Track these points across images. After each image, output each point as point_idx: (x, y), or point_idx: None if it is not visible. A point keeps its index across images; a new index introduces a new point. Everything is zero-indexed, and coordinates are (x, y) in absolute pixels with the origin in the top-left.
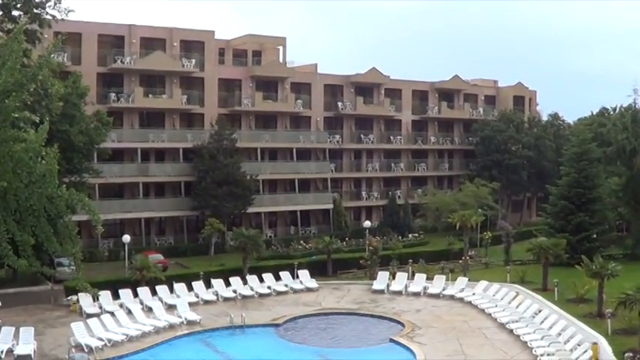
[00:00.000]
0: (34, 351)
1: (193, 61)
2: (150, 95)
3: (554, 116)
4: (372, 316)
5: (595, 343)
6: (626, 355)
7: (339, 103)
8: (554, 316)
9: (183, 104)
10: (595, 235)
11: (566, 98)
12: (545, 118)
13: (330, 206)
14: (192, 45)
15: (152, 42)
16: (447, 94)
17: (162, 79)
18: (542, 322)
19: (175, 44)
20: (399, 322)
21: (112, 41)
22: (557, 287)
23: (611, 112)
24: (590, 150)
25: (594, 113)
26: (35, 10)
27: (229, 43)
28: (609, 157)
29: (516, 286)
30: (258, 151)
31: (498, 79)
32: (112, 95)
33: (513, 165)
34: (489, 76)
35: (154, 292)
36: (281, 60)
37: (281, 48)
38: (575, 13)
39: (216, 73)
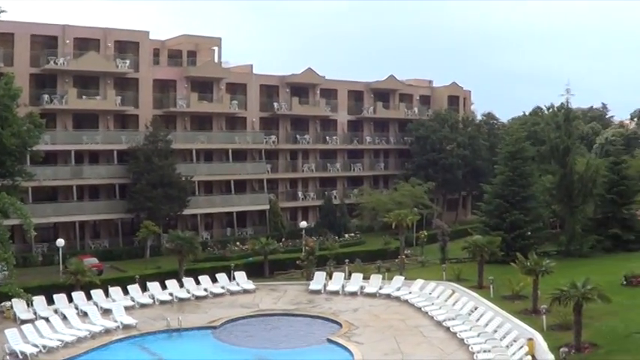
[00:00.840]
0: None
1: (128, 61)
2: (83, 96)
3: (488, 115)
4: (309, 316)
5: (531, 339)
6: (561, 350)
7: (275, 104)
8: (490, 313)
9: (118, 105)
10: (529, 233)
11: (500, 98)
12: (479, 117)
13: (267, 207)
14: (127, 45)
15: (86, 42)
16: (382, 94)
17: (96, 80)
18: (479, 319)
19: (110, 45)
20: (336, 322)
21: (46, 41)
22: (493, 284)
23: (545, 111)
24: (524, 149)
25: (528, 112)
26: None
27: (164, 43)
28: (543, 155)
29: (452, 284)
30: (194, 152)
31: (433, 79)
32: (45, 97)
33: (448, 164)
34: (424, 76)
35: (89, 297)
36: (216, 60)
37: (216, 48)
38: (510, 14)
39: (151, 73)
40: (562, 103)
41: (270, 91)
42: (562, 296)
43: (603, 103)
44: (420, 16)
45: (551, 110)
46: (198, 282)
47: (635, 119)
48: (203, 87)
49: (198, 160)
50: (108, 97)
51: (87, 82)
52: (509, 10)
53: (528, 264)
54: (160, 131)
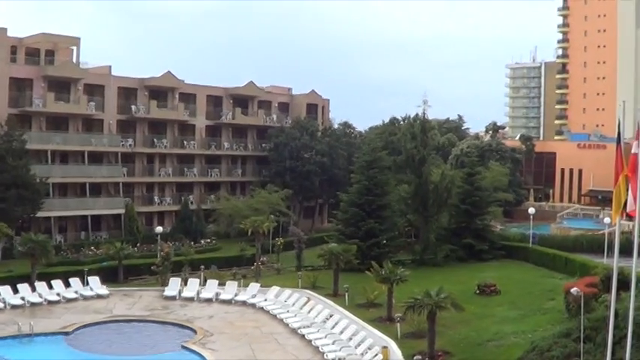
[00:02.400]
0: None
1: None
2: None
3: (346, 124)
4: (163, 322)
5: (385, 347)
6: (415, 357)
7: (133, 107)
8: (345, 320)
9: None
10: (385, 241)
11: (359, 107)
12: (336, 126)
13: (122, 211)
14: None
15: None
16: (241, 100)
17: None
18: (334, 326)
19: None
20: (191, 329)
21: None
22: (348, 292)
23: (401, 122)
24: (381, 158)
25: (385, 122)
26: None
27: (22, 41)
28: (399, 165)
29: (308, 291)
30: (49, 153)
31: (292, 87)
32: None
33: (306, 172)
34: (283, 83)
35: None
36: (75, 61)
37: (75, 48)
38: (366, 25)
39: (7, 71)
40: (418, 114)
41: (128, 93)
42: (416, 305)
43: (459, 115)
44: (280, 24)
45: (407, 121)
46: (51, 286)
47: (490, 132)
48: (60, 87)
49: (54, 162)
50: None
51: None
52: (368, 21)
53: (383, 272)
54: (14, 131)
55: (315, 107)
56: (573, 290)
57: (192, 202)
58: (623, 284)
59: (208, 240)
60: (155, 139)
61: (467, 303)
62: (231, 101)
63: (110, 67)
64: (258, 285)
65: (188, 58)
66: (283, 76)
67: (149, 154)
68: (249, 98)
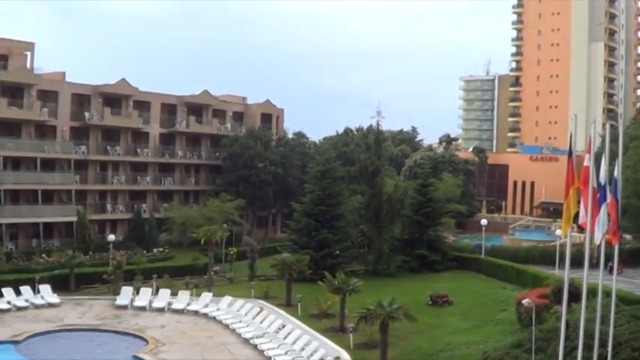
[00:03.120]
0: None
1: None
2: None
3: (300, 134)
4: (115, 332)
5: (338, 357)
6: None
7: (87, 114)
8: (298, 331)
9: None
10: (338, 252)
11: (313, 117)
12: (290, 136)
13: (74, 219)
14: None
15: None
16: (195, 108)
17: None
18: (286, 337)
19: None
20: (142, 338)
21: None
22: (301, 302)
23: (355, 133)
24: (334, 169)
25: (339, 133)
26: None
27: None
28: (352, 176)
29: (260, 301)
30: (1, 159)
31: (247, 96)
32: None
33: (259, 181)
34: (238, 92)
35: None
36: (29, 66)
37: (29, 54)
38: (321, 36)
39: None
40: (372, 125)
41: (82, 100)
42: (369, 315)
43: (413, 127)
44: (236, 34)
45: (361, 131)
46: (1, 294)
47: (444, 143)
48: (13, 92)
49: (5, 168)
50: None
51: None
52: (323, 32)
53: (336, 283)
54: None
55: (269, 117)
56: (525, 301)
57: (145, 211)
58: (574, 296)
59: (161, 249)
60: (108, 147)
61: (419, 314)
62: (186, 109)
63: (64, 73)
64: (211, 294)
65: (143, 66)
66: (238, 86)
67: (102, 161)
68: (203, 107)
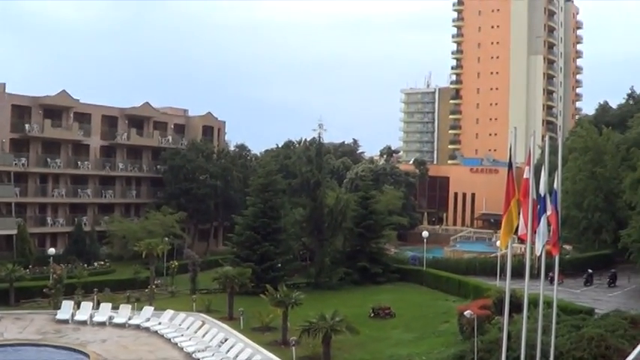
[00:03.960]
0: None
1: None
2: None
3: (241, 147)
4: (55, 346)
5: None
6: None
7: (27, 125)
8: (240, 344)
9: None
10: (280, 265)
11: (255, 129)
12: (232, 148)
13: (14, 232)
14: None
15: None
16: (137, 120)
17: None
18: (229, 350)
19: None
20: (83, 353)
21: None
22: (243, 316)
23: (297, 145)
24: (276, 181)
25: (281, 145)
26: None
27: None
28: (294, 188)
29: (202, 315)
30: None
31: (188, 109)
32: None
33: (201, 194)
34: (180, 105)
35: None
36: None
37: None
38: (262, 48)
39: None
40: (314, 138)
41: (22, 111)
42: (311, 328)
43: (354, 139)
44: (178, 46)
45: (303, 144)
46: None
47: (385, 156)
48: None
49: None
50: None
51: None
52: (264, 44)
53: (278, 296)
54: None
55: (211, 129)
56: (467, 313)
57: (85, 224)
58: (516, 306)
59: (102, 262)
60: (49, 159)
61: (362, 326)
62: (127, 122)
63: (4, 84)
64: (152, 308)
65: (84, 77)
66: (180, 98)
67: (42, 173)
68: (144, 119)
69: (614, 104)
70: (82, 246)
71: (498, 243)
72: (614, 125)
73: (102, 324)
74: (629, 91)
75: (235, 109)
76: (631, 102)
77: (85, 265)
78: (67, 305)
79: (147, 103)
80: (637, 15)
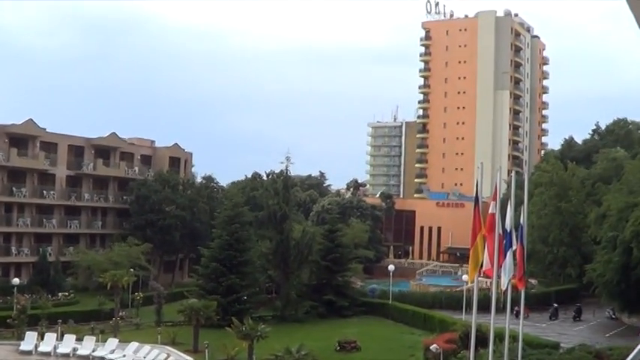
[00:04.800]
0: None
1: None
2: None
3: (208, 178)
4: None
5: None
6: None
7: None
8: None
9: None
10: (246, 297)
11: (222, 161)
12: (199, 179)
13: None
14: None
15: None
16: (103, 151)
17: None
18: None
19: None
20: None
21: None
22: (208, 349)
23: (264, 177)
24: (242, 213)
25: (248, 177)
26: None
27: None
28: (261, 221)
29: (168, 347)
30: None
31: (155, 139)
32: None
33: (167, 225)
34: (147, 135)
35: None
36: None
37: None
38: (230, 80)
39: None
40: (282, 170)
41: None
42: None
43: (321, 172)
44: (145, 77)
45: (270, 176)
46: None
47: (351, 189)
48: None
49: None
50: None
51: None
52: (233, 76)
53: (244, 328)
54: None
55: (178, 160)
56: (433, 347)
57: (50, 254)
58: (482, 340)
59: (66, 293)
60: (14, 188)
61: (327, 359)
62: (93, 152)
63: None
64: (117, 340)
65: (51, 107)
66: (147, 129)
67: (7, 202)
68: (111, 149)
69: (579, 139)
70: (46, 276)
71: (464, 277)
72: (580, 160)
73: (66, 355)
74: (595, 127)
75: (203, 141)
76: (596, 137)
77: (50, 296)
78: (31, 336)
79: (114, 133)
80: (601, 52)
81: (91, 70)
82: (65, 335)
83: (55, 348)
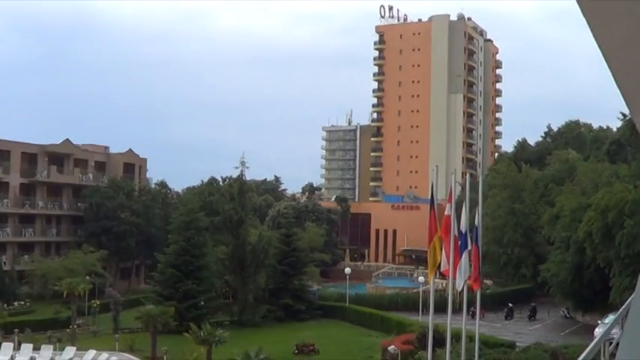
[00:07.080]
0: None
1: None
2: None
3: (162, 184)
4: None
5: None
6: None
7: None
8: None
9: None
10: (203, 303)
11: (177, 167)
12: (153, 185)
13: None
14: None
15: None
16: (57, 158)
17: None
18: None
19: None
20: None
21: None
22: (167, 355)
23: (220, 183)
24: (198, 219)
25: (204, 182)
26: None
27: None
28: (217, 226)
29: (126, 354)
30: None
31: (109, 146)
32: None
33: (122, 232)
34: (100, 142)
35: None
36: None
37: None
38: (183, 86)
39: None
40: (238, 175)
41: None
42: None
43: (276, 176)
44: (98, 82)
45: (226, 182)
46: None
47: (306, 193)
48: None
49: None
50: None
51: None
52: (185, 82)
53: (202, 334)
54: None
55: (132, 167)
56: (390, 348)
57: (5, 263)
58: (439, 341)
59: (22, 302)
60: None
61: None
62: (47, 159)
63: None
64: (75, 348)
65: (3, 112)
66: (100, 135)
67: None
68: (65, 156)
69: (532, 142)
70: (1, 285)
71: (420, 278)
72: (533, 162)
73: None
74: (547, 129)
75: (157, 147)
76: (548, 139)
77: (5, 305)
78: None
79: (67, 140)
80: (553, 55)
81: (43, 76)
82: (22, 344)
83: (12, 358)
